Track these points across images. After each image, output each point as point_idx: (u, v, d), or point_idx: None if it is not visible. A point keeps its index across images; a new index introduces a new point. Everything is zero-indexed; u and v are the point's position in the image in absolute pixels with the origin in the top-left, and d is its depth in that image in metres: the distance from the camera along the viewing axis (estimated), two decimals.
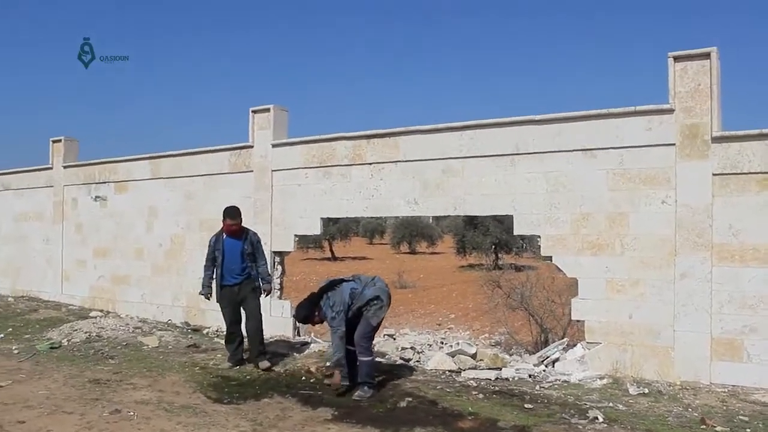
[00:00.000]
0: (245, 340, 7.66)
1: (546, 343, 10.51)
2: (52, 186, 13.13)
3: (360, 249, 42.85)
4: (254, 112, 9.89)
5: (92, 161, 12.43)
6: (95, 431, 5.17)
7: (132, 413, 5.59)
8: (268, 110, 9.73)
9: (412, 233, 40.79)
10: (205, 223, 10.38)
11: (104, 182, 12.06)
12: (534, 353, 9.73)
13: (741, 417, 5.55)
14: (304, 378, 7.01)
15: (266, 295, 7.90)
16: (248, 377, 7.05)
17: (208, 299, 7.69)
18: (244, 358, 7.65)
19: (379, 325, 6.64)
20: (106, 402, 5.95)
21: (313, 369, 7.29)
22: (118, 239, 11.75)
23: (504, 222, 28.05)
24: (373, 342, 6.94)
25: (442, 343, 10.39)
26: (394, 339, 10.54)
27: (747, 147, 6.43)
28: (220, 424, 5.37)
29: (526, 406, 5.92)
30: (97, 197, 12.10)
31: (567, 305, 10.90)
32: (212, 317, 10.03)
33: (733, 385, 6.42)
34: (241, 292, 7.54)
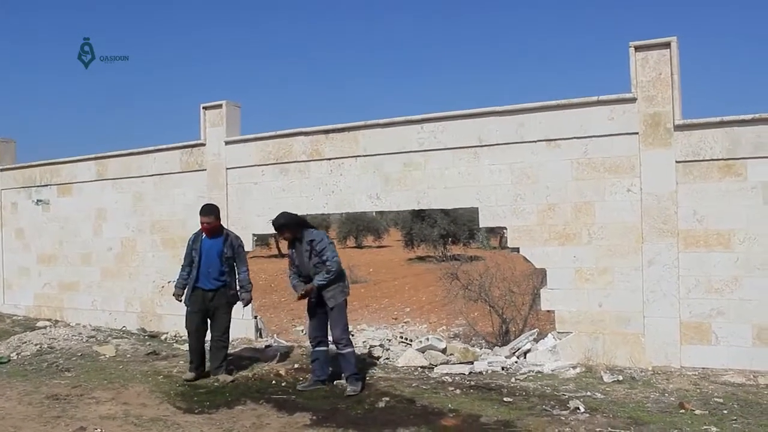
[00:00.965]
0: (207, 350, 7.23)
1: (507, 334, 10.59)
2: None
3: None
4: (205, 108, 9.58)
5: (32, 163, 11.84)
6: None
7: (99, 430, 5.29)
8: (220, 106, 9.44)
9: (359, 227, 40.73)
10: (158, 224, 10.04)
11: (46, 185, 11.51)
12: (495, 344, 9.79)
13: (716, 399, 5.68)
14: (274, 382, 6.80)
15: (245, 305, 7.35)
16: (216, 384, 6.79)
17: (180, 301, 7.17)
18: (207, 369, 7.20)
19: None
20: (68, 419, 5.59)
21: (282, 372, 7.10)
22: (64, 244, 11.23)
23: (450, 213, 28.39)
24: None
25: (401, 337, 10.34)
26: (353, 335, 10.42)
27: (708, 134, 6.55)
28: None
29: (505, 399, 5.90)
30: (38, 201, 11.53)
31: (527, 295, 11.03)
32: (170, 322, 9.72)
33: (703, 368, 6.57)
34: (214, 300, 7.01)
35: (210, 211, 7.07)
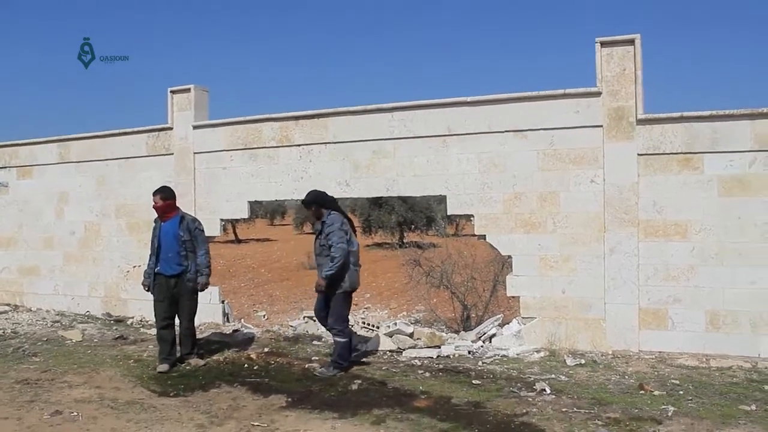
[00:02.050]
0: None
1: (468, 320, 10.82)
2: None
3: (263, 231, 42.32)
4: (173, 92, 9.50)
5: None
6: None
7: (75, 413, 5.31)
8: (188, 90, 9.37)
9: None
10: (123, 208, 9.95)
11: (4, 167, 11.24)
12: (457, 330, 10.02)
13: (672, 381, 5.99)
14: (246, 366, 6.90)
15: (201, 289, 7.06)
16: (188, 368, 6.85)
17: (148, 290, 7.04)
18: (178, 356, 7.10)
19: (348, 303, 6.83)
20: (42, 403, 5.61)
21: (253, 356, 7.20)
22: (23, 228, 11.01)
23: (408, 201, 28.61)
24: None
25: (364, 323, 10.47)
26: (314, 320, 10.52)
27: (669, 129, 6.84)
28: (173, 418, 5.21)
29: (473, 382, 6.12)
30: None
31: (488, 282, 11.28)
32: (134, 307, 9.68)
33: (660, 352, 6.90)
34: (177, 287, 6.91)
35: (158, 190, 7.00)
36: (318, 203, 6.72)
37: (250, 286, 18.38)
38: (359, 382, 6.16)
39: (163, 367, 6.77)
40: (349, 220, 6.78)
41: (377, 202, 29.20)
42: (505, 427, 4.88)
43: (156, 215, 7.06)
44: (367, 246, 30.14)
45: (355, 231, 6.77)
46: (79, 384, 6.26)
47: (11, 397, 5.82)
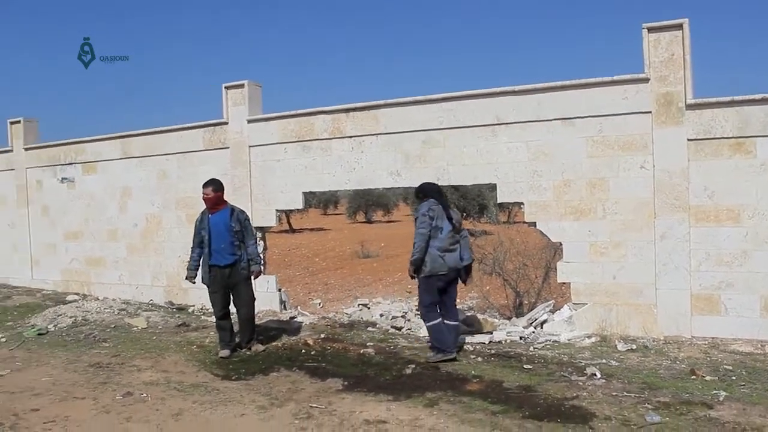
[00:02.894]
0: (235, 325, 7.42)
1: (520, 306, 10.90)
2: (13, 169, 12.77)
3: (316, 220, 42.84)
4: (227, 88, 9.83)
5: (56, 142, 12.14)
6: (113, 414, 5.21)
7: (145, 395, 5.66)
8: (242, 86, 9.69)
9: (368, 202, 40.91)
10: (182, 201, 10.36)
11: (70, 163, 11.82)
12: (510, 316, 10.12)
13: (725, 366, 6.00)
14: (303, 351, 7.17)
15: (255, 277, 7.36)
16: (249, 354, 7.16)
17: (194, 283, 7.26)
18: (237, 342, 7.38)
19: (430, 288, 6.60)
20: (114, 385, 5.99)
21: (310, 342, 7.46)
22: (89, 221, 11.59)
23: (460, 189, 28.58)
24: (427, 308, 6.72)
25: (417, 310, 10.65)
26: (369, 308, 10.78)
27: (719, 113, 6.79)
28: (235, 400, 5.50)
29: (525, 366, 6.24)
30: (63, 179, 11.86)
31: (540, 269, 11.32)
32: (195, 295, 10.08)
33: (713, 338, 6.89)
34: (232, 276, 7.12)
35: (209, 182, 7.19)
36: (417, 193, 6.88)
37: (305, 275, 18.74)
38: (413, 366, 6.35)
39: (225, 352, 7.07)
40: (445, 207, 6.64)
41: None
42: (555, 410, 4.99)
43: (202, 209, 7.29)
44: None
45: (451, 218, 6.56)
46: (147, 368, 6.64)
47: (86, 379, 6.23)
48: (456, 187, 27.75)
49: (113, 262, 11.28)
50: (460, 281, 6.78)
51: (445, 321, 6.61)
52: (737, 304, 6.81)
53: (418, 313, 9.98)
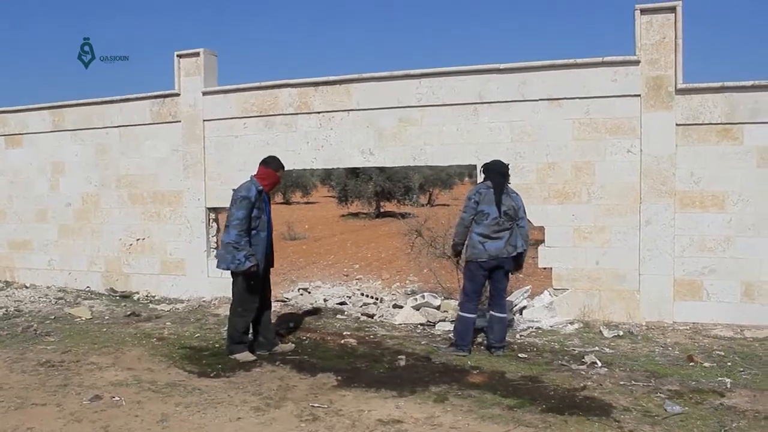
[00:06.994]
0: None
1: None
2: None
3: None
4: (180, 56, 9.07)
5: None
6: (86, 423, 4.51)
7: (117, 398, 4.98)
8: (197, 54, 8.95)
9: (286, 183, 40.07)
10: (124, 179, 9.53)
11: None
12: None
13: (717, 353, 6.01)
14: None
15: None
16: (217, 345, 6.60)
17: (260, 276, 6.08)
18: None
19: (472, 275, 6.13)
20: (77, 387, 5.26)
21: (282, 332, 6.98)
22: (13, 199, 10.49)
23: (386, 170, 28.37)
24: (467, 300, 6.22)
25: (362, 294, 10.33)
26: (309, 293, 10.34)
27: (708, 99, 6.77)
28: (224, 401, 4.96)
29: (519, 355, 6.03)
30: None
31: None
32: (138, 282, 9.34)
33: (694, 323, 6.93)
34: (266, 272, 6.20)
35: (278, 160, 6.36)
36: (483, 170, 6.39)
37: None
38: (403, 357, 6.00)
39: (250, 357, 6.12)
40: (499, 191, 6.08)
41: (354, 172, 28.84)
42: (569, 402, 4.78)
43: (259, 186, 6.16)
44: (343, 216, 29.86)
45: (500, 204, 6.02)
46: (108, 365, 5.94)
47: (40, 381, 5.45)
48: (382, 169, 27.59)
49: (42, 245, 10.26)
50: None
51: (491, 312, 6.22)
52: (719, 289, 6.86)
53: (364, 296, 9.62)
